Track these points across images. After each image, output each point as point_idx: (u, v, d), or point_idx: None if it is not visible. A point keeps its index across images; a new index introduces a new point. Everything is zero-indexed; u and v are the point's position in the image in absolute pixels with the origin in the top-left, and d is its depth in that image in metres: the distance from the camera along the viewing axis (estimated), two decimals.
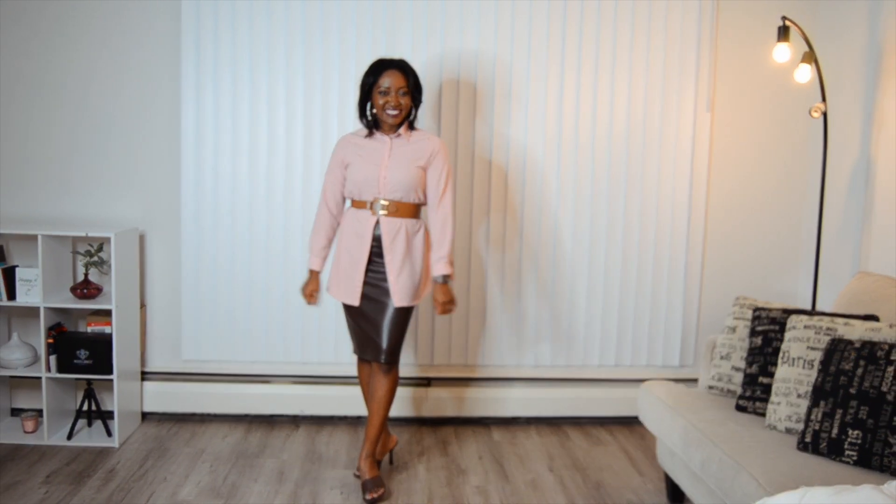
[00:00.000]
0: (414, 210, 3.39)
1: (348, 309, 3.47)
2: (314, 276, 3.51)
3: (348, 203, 3.48)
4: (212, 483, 3.48)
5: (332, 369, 4.22)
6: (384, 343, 3.39)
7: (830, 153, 3.97)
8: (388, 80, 3.29)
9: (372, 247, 3.36)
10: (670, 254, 4.30)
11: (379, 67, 3.34)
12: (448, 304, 3.43)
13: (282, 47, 4.04)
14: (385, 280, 3.35)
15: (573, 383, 4.34)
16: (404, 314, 3.42)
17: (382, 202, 3.33)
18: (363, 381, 3.61)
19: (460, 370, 4.28)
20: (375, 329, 3.39)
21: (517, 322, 4.27)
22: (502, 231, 4.21)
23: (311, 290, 3.50)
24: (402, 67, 3.34)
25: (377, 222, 3.34)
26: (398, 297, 3.35)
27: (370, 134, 3.38)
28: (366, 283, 3.37)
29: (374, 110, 3.36)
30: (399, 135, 3.36)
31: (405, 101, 3.32)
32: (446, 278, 3.41)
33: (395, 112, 3.30)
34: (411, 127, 3.41)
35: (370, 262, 3.37)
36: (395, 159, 3.32)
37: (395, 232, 3.34)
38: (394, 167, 3.31)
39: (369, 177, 3.32)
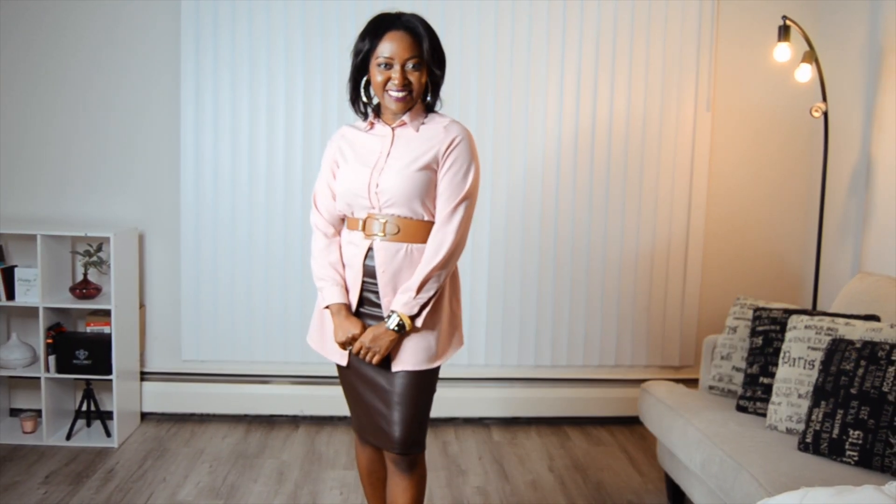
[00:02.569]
0: (424, 231, 2.36)
1: (339, 369, 2.54)
2: (339, 313, 2.39)
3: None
4: (211, 483, 3.47)
5: (331, 369, 4.10)
6: (396, 427, 2.36)
7: (831, 153, 3.96)
8: (391, 47, 2.28)
9: (365, 283, 2.39)
10: (670, 253, 4.29)
11: (378, 27, 2.32)
12: (371, 354, 2.33)
13: (282, 47, 4.03)
14: None
15: (573, 383, 4.33)
16: (423, 380, 2.39)
17: (379, 220, 2.35)
18: (361, 468, 2.68)
19: (460, 370, 4.27)
20: (381, 404, 2.40)
21: (517, 322, 4.26)
22: (502, 231, 4.20)
23: (345, 335, 2.38)
24: (412, 27, 2.31)
25: (370, 249, 2.37)
26: (403, 358, 2.36)
27: (368, 124, 2.44)
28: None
29: (374, 91, 2.38)
30: (404, 123, 2.38)
31: (417, 77, 2.31)
32: (398, 323, 2.31)
33: (400, 94, 2.30)
34: (430, 110, 2.44)
35: (364, 302, 2.40)
36: (392, 159, 2.35)
37: (395, 263, 2.34)
38: (389, 171, 2.33)
39: (357, 185, 2.35)
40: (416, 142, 2.36)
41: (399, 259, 2.34)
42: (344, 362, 2.46)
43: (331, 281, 2.40)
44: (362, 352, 2.34)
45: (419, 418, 2.39)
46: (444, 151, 2.33)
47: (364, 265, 2.36)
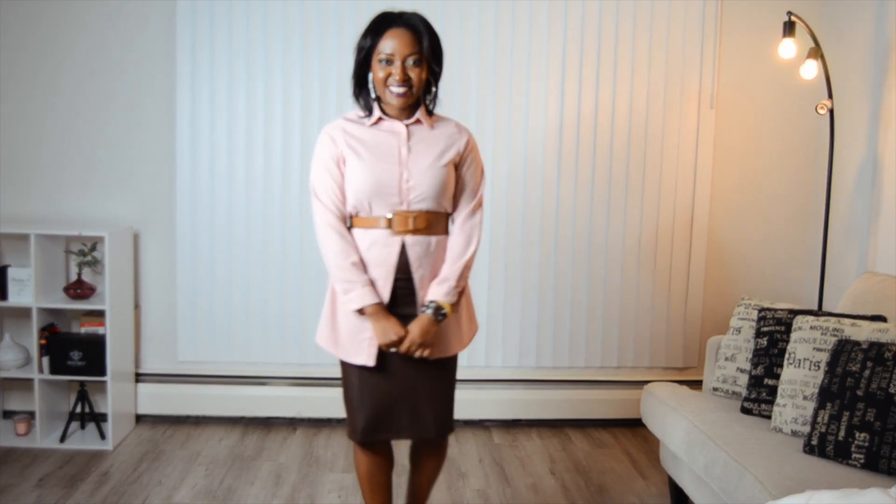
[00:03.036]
0: (445, 223, 2.50)
1: (358, 371, 2.49)
2: (377, 314, 2.40)
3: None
4: (207, 486, 3.44)
5: (329, 371, 4.15)
6: (441, 413, 2.53)
7: (837, 151, 3.92)
8: (392, 44, 2.35)
9: (396, 279, 2.43)
10: (673, 253, 4.25)
11: (380, 25, 2.39)
12: (423, 349, 2.43)
13: (279, 45, 4.00)
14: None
15: (575, 385, 4.29)
16: (453, 363, 2.61)
17: (408, 216, 2.40)
18: (361, 472, 2.65)
19: (460, 371, 4.19)
20: (417, 396, 2.49)
21: (518, 323, 4.23)
22: (503, 231, 4.16)
23: (389, 338, 2.40)
24: (412, 25, 2.38)
25: (402, 245, 2.41)
26: (445, 345, 2.51)
27: (374, 119, 2.45)
28: None
29: (376, 87, 2.44)
30: (418, 120, 2.45)
31: (417, 73, 2.38)
32: (441, 313, 2.42)
33: (400, 90, 2.36)
34: (429, 113, 2.51)
35: (395, 299, 2.45)
36: (417, 154, 2.41)
37: (428, 257, 2.44)
38: (417, 166, 2.40)
39: (386, 181, 2.38)
40: (434, 138, 2.46)
41: (431, 252, 2.44)
42: (372, 362, 2.44)
43: (360, 283, 2.39)
44: (412, 348, 2.41)
45: (452, 399, 2.61)
46: (465, 149, 2.49)
47: (398, 262, 2.41)
